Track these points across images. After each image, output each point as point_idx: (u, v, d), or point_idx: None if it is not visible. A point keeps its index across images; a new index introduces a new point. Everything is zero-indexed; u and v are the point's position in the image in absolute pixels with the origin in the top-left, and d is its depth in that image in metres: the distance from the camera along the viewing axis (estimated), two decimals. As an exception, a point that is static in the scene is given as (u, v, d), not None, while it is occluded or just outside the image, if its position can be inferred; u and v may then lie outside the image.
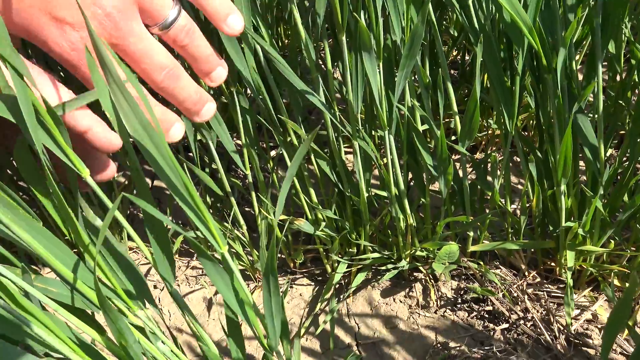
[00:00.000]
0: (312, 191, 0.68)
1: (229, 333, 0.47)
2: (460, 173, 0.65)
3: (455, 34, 0.84)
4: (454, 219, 0.65)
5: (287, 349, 0.50)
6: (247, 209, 0.85)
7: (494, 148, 0.89)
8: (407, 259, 0.71)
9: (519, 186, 0.84)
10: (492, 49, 0.56)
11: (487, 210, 0.69)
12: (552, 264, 0.71)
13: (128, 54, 0.46)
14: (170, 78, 0.48)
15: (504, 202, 0.67)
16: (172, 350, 0.43)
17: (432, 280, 0.72)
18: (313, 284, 0.74)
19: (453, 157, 0.88)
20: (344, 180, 0.66)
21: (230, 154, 0.64)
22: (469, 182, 0.66)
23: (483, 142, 0.89)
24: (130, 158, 0.41)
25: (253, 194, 0.70)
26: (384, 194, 0.67)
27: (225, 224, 0.74)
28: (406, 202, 0.66)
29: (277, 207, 0.43)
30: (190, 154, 0.88)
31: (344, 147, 0.83)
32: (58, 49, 0.43)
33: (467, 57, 0.89)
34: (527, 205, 0.68)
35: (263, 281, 0.43)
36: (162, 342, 0.44)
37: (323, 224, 0.69)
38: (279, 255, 0.77)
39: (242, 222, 0.72)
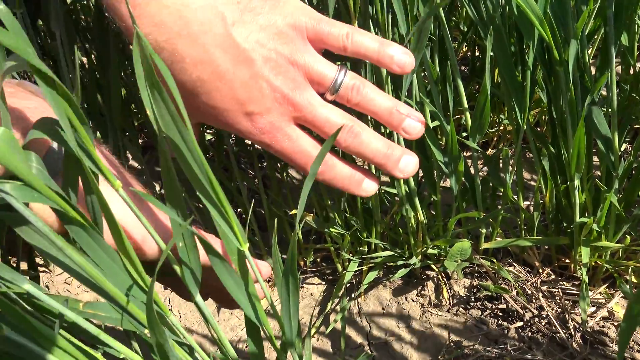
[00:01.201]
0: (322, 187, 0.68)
1: (248, 334, 0.46)
2: (472, 169, 0.64)
3: (465, 29, 0.83)
4: (466, 215, 0.64)
5: (300, 349, 0.49)
6: (257, 208, 0.84)
7: (505, 144, 0.88)
8: (419, 257, 0.70)
9: (532, 182, 0.83)
10: (503, 41, 0.55)
11: (500, 207, 0.68)
12: (567, 260, 0.70)
13: (309, 121, 0.52)
14: (350, 135, 0.53)
15: (516, 198, 0.66)
16: None
17: (445, 279, 0.71)
18: (324, 283, 0.74)
19: (464, 153, 0.87)
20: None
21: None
22: (480, 178, 0.65)
23: (495, 139, 0.88)
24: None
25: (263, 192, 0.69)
26: (394, 191, 0.66)
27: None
28: (417, 199, 0.65)
29: (299, 204, 0.42)
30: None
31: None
32: (252, 136, 0.52)
33: (477, 53, 0.88)
34: (541, 201, 0.67)
35: (282, 281, 0.42)
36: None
37: (334, 220, 0.68)
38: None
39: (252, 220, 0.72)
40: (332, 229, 0.67)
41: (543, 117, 0.86)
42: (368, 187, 0.56)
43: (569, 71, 0.53)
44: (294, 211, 0.67)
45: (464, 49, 0.95)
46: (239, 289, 0.41)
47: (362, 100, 0.53)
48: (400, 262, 0.70)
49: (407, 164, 0.54)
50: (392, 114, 0.53)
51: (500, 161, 0.64)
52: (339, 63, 0.53)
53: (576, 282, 0.69)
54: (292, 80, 0.51)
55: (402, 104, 0.54)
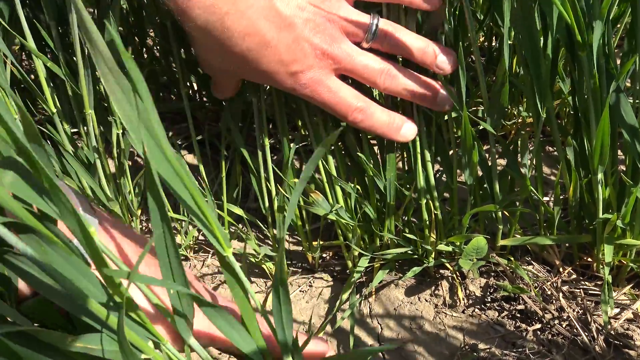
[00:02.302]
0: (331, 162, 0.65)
1: None
2: (489, 162, 0.61)
3: (482, 17, 0.79)
4: (482, 209, 0.61)
5: None
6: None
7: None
8: (433, 255, 0.67)
9: (552, 177, 0.79)
10: (526, 16, 0.52)
11: (517, 203, 0.65)
12: (589, 259, 0.66)
13: (348, 70, 0.59)
14: (388, 77, 0.59)
15: (535, 192, 0.62)
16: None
17: (459, 278, 0.67)
18: (333, 281, 0.71)
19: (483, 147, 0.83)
20: (367, 157, 0.63)
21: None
22: (498, 172, 0.62)
23: (513, 132, 0.84)
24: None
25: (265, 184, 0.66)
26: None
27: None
28: (433, 188, 0.63)
29: (287, 211, 0.39)
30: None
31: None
32: (296, 92, 0.59)
33: (494, 43, 0.84)
34: (561, 196, 0.63)
35: (273, 291, 0.39)
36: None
37: (341, 201, 0.65)
38: (299, 248, 0.74)
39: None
40: (341, 218, 0.64)
41: (564, 109, 0.82)
42: (407, 133, 0.61)
43: (592, 56, 0.49)
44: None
45: (481, 39, 0.91)
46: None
47: (396, 43, 0.58)
48: (413, 258, 0.67)
49: (443, 98, 0.59)
50: (425, 52, 0.58)
51: (519, 154, 0.60)
52: (372, 12, 0.58)
53: (599, 282, 0.65)
54: (330, 36, 0.57)
55: (433, 43, 0.58)
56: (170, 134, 0.87)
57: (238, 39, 0.55)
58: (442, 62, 0.58)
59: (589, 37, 0.49)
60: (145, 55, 0.85)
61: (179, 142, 0.86)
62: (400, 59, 0.62)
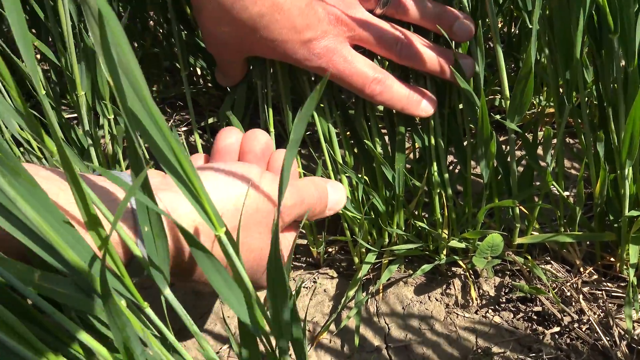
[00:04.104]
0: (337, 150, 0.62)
1: (242, 343, 0.40)
2: (508, 156, 0.57)
3: (501, 1, 0.75)
4: (498, 204, 0.57)
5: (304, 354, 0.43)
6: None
7: (543, 128, 0.80)
8: (445, 251, 0.63)
9: (572, 171, 0.75)
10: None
11: (536, 199, 0.61)
12: (612, 259, 0.62)
13: (363, 38, 0.55)
14: (405, 47, 0.55)
15: (557, 186, 0.58)
16: None
17: (473, 276, 0.64)
18: (338, 277, 0.67)
19: (499, 138, 0.79)
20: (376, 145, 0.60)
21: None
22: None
23: (532, 123, 0.80)
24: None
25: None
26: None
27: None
28: (447, 180, 0.59)
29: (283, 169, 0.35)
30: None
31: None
32: (309, 63, 0.55)
33: (513, 29, 0.80)
34: (584, 191, 0.59)
35: (269, 288, 0.35)
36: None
37: (347, 192, 0.62)
38: (303, 242, 0.70)
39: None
40: (347, 210, 0.60)
41: (585, 99, 0.77)
42: (427, 107, 0.58)
43: (626, 38, 0.45)
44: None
45: (500, 24, 0.87)
46: (229, 287, 0.35)
47: (410, 8, 0.55)
48: (424, 254, 0.64)
49: (467, 65, 0.55)
50: (441, 18, 0.55)
51: (540, 146, 0.56)
52: None
53: (622, 284, 0.61)
54: (344, 1, 0.55)
55: (449, 8, 0.55)
56: (171, 121, 0.84)
57: (249, 2, 0.51)
58: (460, 28, 0.55)
59: (621, 18, 0.44)
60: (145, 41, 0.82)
61: (183, 129, 0.83)
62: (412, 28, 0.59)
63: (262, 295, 0.63)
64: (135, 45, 0.80)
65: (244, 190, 0.44)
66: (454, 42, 0.57)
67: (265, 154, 0.54)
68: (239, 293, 0.34)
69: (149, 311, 0.35)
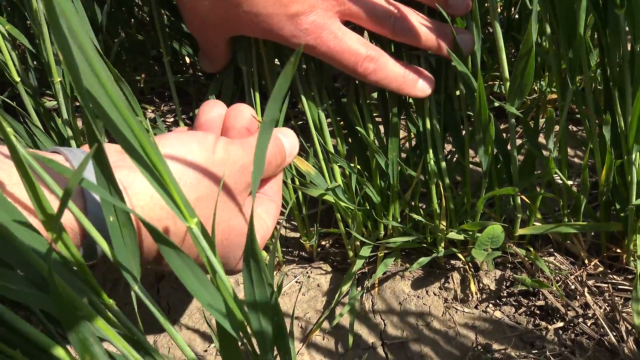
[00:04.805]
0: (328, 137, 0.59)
1: (222, 349, 0.37)
2: (509, 144, 0.54)
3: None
4: (498, 192, 0.54)
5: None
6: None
7: (546, 115, 0.77)
8: (443, 243, 0.60)
9: (575, 159, 0.72)
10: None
11: (538, 188, 0.58)
12: (618, 250, 0.59)
13: (354, 13, 0.52)
14: (399, 22, 0.52)
15: (560, 173, 0.55)
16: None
17: (472, 270, 0.61)
18: (332, 272, 0.64)
19: (500, 125, 0.76)
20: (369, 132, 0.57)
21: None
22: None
23: (533, 108, 0.77)
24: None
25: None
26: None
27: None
28: (444, 170, 0.56)
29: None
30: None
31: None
32: (296, 40, 0.51)
33: (512, 11, 0.77)
34: (589, 179, 0.56)
35: (244, 270, 0.33)
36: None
37: (340, 181, 0.59)
38: (295, 235, 0.67)
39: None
40: (339, 200, 0.57)
41: (590, 80, 0.74)
42: (424, 86, 0.54)
43: (633, 12, 0.42)
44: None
45: (500, 7, 0.84)
46: (202, 284, 0.32)
47: None
48: (422, 247, 0.61)
49: (465, 41, 0.52)
50: None
51: (542, 131, 0.53)
52: None
53: (629, 276, 0.58)
54: None
55: None
56: (154, 110, 0.81)
57: None
58: (454, 2, 0.51)
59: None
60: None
61: (170, 119, 0.80)
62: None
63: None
64: (121, 32, 0.77)
65: (201, 159, 0.41)
66: (450, 18, 0.54)
67: (249, 131, 0.51)
68: (214, 291, 0.32)
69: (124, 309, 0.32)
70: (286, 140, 0.51)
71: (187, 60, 0.81)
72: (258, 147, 0.29)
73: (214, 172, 0.42)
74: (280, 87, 0.26)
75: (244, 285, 0.33)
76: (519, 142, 0.70)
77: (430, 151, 0.57)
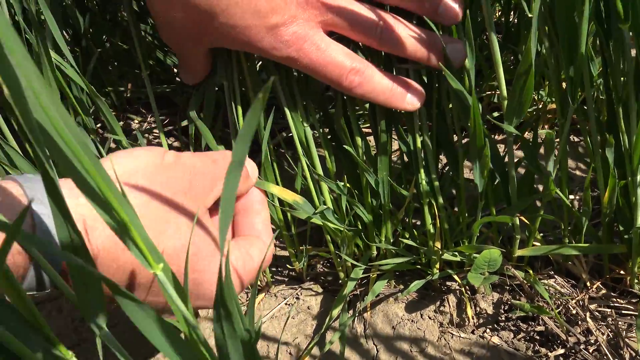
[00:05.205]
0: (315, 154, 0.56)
1: None
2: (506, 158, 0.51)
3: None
4: (495, 219, 0.51)
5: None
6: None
7: (546, 126, 0.74)
8: (438, 265, 0.57)
9: (577, 172, 0.69)
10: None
11: (538, 202, 0.55)
12: (622, 271, 0.56)
13: (337, 24, 0.49)
14: (386, 32, 0.49)
15: (561, 194, 0.52)
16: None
17: (469, 292, 0.58)
18: (323, 293, 0.62)
19: (496, 137, 0.73)
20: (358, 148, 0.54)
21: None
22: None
23: (533, 120, 0.74)
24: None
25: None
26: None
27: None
28: (437, 188, 0.53)
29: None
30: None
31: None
32: (276, 52, 0.48)
33: (511, 16, 0.74)
34: (591, 196, 0.53)
35: (214, 322, 0.30)
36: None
37: (329, 202, 0.56)
38: (285, 254, 0.65)
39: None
40: (328, 222, 0.54)
41: (592, 97, 0.71)
42: (413, 100, 0.52)
43: (638, 26, 0.39)
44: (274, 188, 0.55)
45: (498, 12, 0.81)
46: (167, 337, 0.29)
47: None
48: (416, 267, 0.58)
49: (456, 51, 0.49)
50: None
51: (541, 150, 0.50)
52: None
53: (633, 300, 0.55)
54: None
55: None
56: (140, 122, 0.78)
57: None
58: (447, 8, 0.48)
59: (633, 4, 0.39)
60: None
61: (157, 131, 0.77)
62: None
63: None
64: (106, 41, 0.74)
65: (148, 163, 0.40)
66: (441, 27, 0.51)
67: None
68: (186, 349, 0.29)
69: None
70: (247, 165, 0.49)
71: (175, 70, 0.78)
72: (226, 190, 0.26)
73: (163, 174, 0.40)
74: (249, 125, 0.23)
75: (214, 339, 0.30)
76: (517, 152, 0.67)
77: (422, 171, 0.54)
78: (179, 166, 0.42)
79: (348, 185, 0.56)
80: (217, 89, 0.61)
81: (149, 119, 0.79)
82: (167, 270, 0.28)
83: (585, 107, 0.49)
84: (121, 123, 0.81)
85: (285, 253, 0.65)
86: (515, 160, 0.52)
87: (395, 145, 0.68)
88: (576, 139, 0.72)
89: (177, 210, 0.39)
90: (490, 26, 0.43)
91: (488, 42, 0.81)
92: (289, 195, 0.52)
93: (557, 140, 0.49)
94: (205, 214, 0.43)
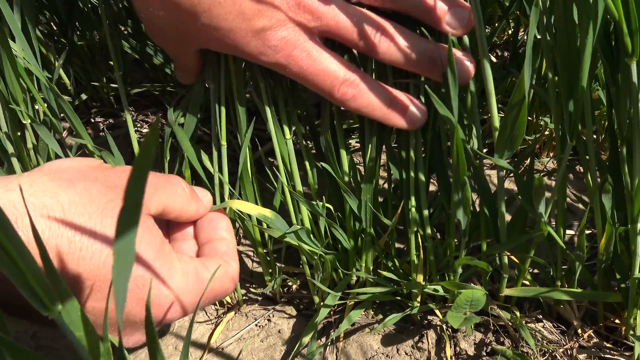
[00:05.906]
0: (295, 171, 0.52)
1: None
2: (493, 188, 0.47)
3: (507, 4, 0.65)
4: (473, 263, 0.47)
5: None
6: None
7: (550, 154, 0.70)
8: (419, 298, 0.53)
9: (580, 205, 0.64)
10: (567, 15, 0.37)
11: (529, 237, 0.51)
12: (617, 320, 0.52)
13: (332, 29, 0.45)
14: (385, 39, 0.45)
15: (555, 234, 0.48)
16: None
17: (450, 330, 0.54)
18: (297, 317, 0.58)
19: (487, 162, 0.68)
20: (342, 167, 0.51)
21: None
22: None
23: (537, 146, 0.70)
24: None
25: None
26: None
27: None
28: (426, 218, 0.49)
29: None
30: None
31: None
32: (264, 58, 0.45)
33: (520, 34, 0.69)
34: (587, 231, 0.49)
35: None
36: None
37: (307, 222, 0.52)
38: (261, 271, 0.61)
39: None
40: (303, 243, 0.50)
41: (602, 121, 0.67)
42: (413, 117, 0.47)
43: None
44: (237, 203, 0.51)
45: (508, 32, 0.77)
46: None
47: None
48: (395, 298, 0.54)
49: (461, 64, 0.45)
50: (433, 3, 0.44)
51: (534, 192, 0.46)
52: None
53: (626, 352, 0.51)
54: None
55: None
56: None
57: None
58: (456, 17, 0.44)
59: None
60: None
61: (145, 128, 0.74)
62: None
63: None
64: (97, 36, 0.71)
65: (70, 162, 0.40)
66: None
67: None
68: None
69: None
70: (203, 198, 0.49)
71: (168, 71, 0.75)
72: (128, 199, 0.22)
73: (99, 172, 0.39)
74: (140, 167, 0.19)
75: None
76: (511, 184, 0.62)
77: (413, 198, 0.50)
78: (116, 169, 0.41)
79: (328, 205, 0.52)
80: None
81: (138, 117, 0.76)
82: (69, 309, 0.25)
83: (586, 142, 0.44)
84: (111, 120, 0.78)
85: (260, 269, 0.61)
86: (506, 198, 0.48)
87: (383, 157, 0.65)
88: (580, 169, 0.68)
89: (115, 201, 0.37)
90: (484, 52, 0.39)
91: (497, 57, 0.77)
92: (253, 210, 0.48)
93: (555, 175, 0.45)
94: (148, 217, 0.41)
